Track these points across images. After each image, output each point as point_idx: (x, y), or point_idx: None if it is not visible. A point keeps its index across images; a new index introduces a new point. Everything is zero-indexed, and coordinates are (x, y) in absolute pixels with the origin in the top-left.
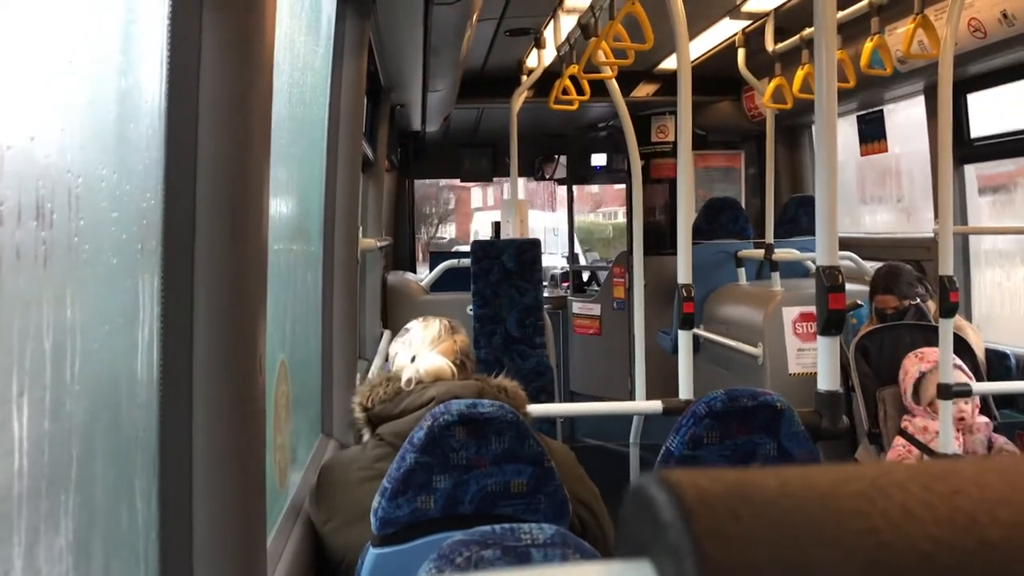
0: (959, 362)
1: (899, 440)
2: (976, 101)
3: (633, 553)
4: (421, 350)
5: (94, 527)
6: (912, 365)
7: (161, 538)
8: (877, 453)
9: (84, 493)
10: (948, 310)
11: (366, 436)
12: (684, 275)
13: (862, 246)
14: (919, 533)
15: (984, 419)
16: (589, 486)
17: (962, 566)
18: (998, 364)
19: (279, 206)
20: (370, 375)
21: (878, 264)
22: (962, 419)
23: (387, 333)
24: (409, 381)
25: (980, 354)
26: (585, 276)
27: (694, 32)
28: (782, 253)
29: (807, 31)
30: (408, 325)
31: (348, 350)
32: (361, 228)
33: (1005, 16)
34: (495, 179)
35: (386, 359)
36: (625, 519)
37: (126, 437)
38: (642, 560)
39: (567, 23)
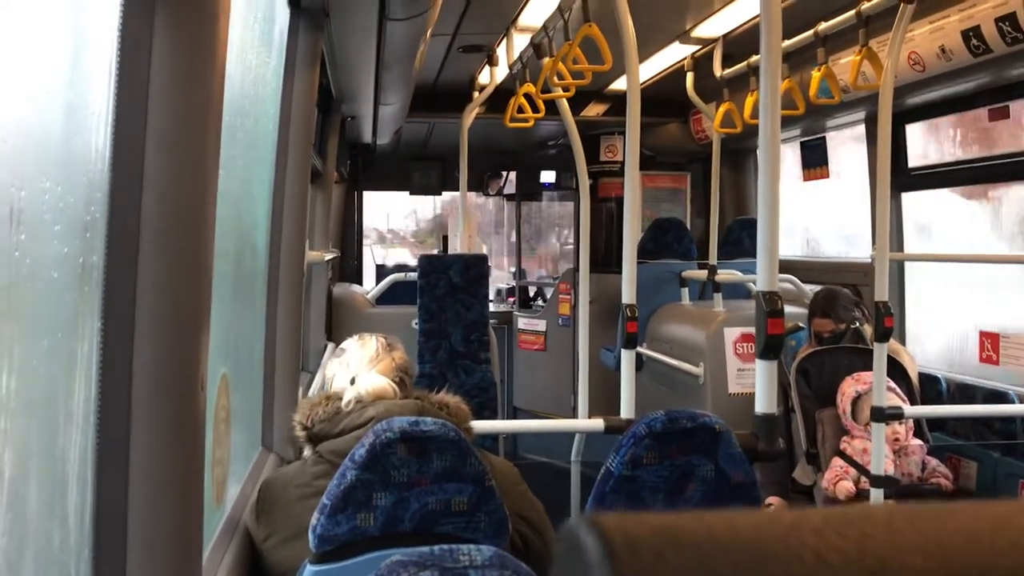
0: (893, 385)
1: (837, 461)
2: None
3: None
4: (360, 371)
5: (25, 545)
6: (849, 386)
7: (94, 556)
8: (815, 473)
9: (16, 510)
10: (883, 334)
11: (307, 452)
12: (628, 295)
13: (802, 269)
14: None
15: (918, 442)
16: (532, 501)
17: None
18: (929, 388)
19: (225, 217)
20: (312, 390)
21: (817, 287)
22: (897, 440)
23: (331, 346)
24: (349, 402)
25: (914, 377)
26: (531, 292)
27: (644, 55)
28: (725, 275)
29: (754, 58)
30: (344, 344)
31: (291, 363)
32: (308, 240)
33: (943, 51)
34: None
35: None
36: (557, 559)
37: (61, 453)
38: None
39: (520, 42)
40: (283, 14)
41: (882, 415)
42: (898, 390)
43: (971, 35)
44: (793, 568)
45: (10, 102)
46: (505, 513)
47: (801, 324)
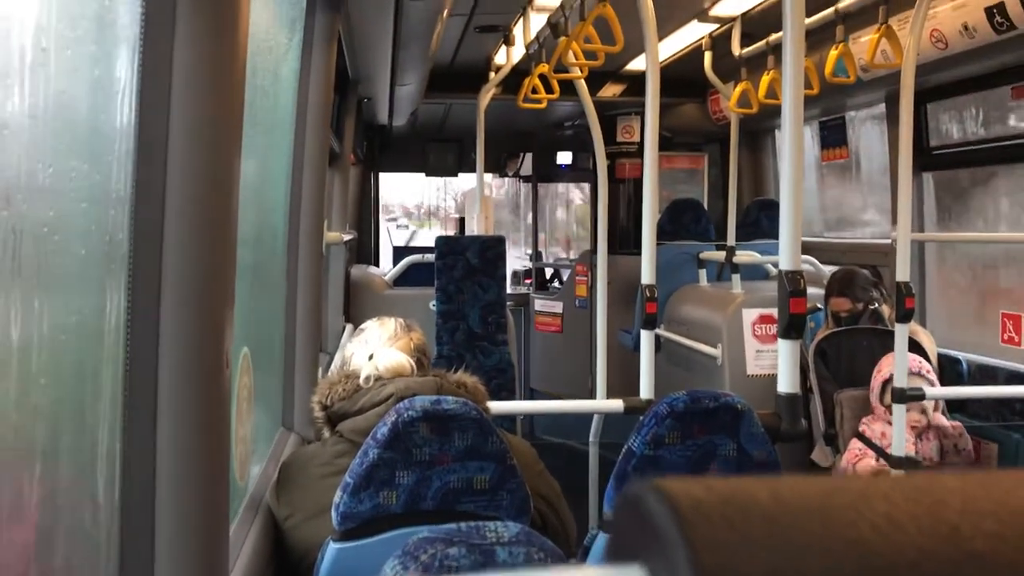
0: (927, 367)
1: (855, 443)
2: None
3: (625, 558)
4: (378, 348)
5: (56, 517)
6: (887, 366)
7: (122, 529)
8: (833, 454)
9: (47, 484)
10: (904, 315)
11: (326, 433)
12: (648, 275)
13: (821, 250)
14: (905, 542)
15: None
16: (550, 481)
17: (948, 575)
18: (950, 369)
19: (244, 197)
20: (331, 370)
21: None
22: (914, 428)
23: (349, 327)
24: (368, 378)
25: (933, 359)
26: (548, 273)
27: (662, 34)
28: (743, 256)
29: (773, 36)
30: (363, 325)
31: (311, 343)
32: (326, 221)
33: (966, 28)
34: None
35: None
36: (618, 524)
37: (90, 428)
38: (634, 566)
39: (537, 21)
40: None
41: (903, 396)
42: (931, 375)
43: (995, 11)
44: (866, 534)
45: (36, 78)
46: (527, 492)
47: (819, 305)
